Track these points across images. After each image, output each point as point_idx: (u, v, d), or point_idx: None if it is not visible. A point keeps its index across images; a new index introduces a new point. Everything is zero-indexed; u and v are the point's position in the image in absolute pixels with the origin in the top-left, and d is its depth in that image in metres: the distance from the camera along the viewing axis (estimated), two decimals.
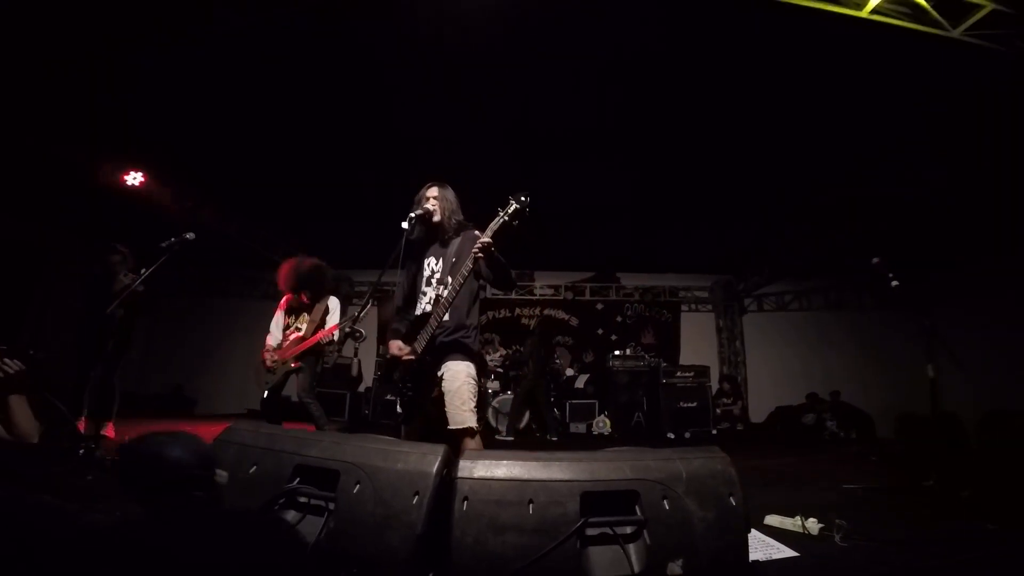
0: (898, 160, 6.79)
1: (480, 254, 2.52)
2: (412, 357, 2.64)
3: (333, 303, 4.46)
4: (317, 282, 4.47)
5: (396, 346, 2.73)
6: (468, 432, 2.56)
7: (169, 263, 4.00)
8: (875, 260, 4.04)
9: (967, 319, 8.81)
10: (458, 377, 2.60)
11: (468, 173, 9.03)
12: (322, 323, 4.31)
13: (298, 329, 4.29)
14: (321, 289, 4.50)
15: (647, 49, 7.32)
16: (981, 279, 9.18)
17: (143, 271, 4.06)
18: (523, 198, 2.58)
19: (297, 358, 4.19)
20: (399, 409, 2.74)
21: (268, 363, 4.21)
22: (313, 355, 4.26)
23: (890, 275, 3.94)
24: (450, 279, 2.66)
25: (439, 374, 2.65)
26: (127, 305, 4.41)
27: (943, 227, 7.78)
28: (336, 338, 4.33)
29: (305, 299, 4.42)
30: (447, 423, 2.58)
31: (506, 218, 2.56)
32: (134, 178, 6.95)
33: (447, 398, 2.59)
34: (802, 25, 6.03)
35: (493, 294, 10.93)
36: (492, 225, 2.56)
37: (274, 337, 4.34)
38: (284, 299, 4.50)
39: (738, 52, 7.05)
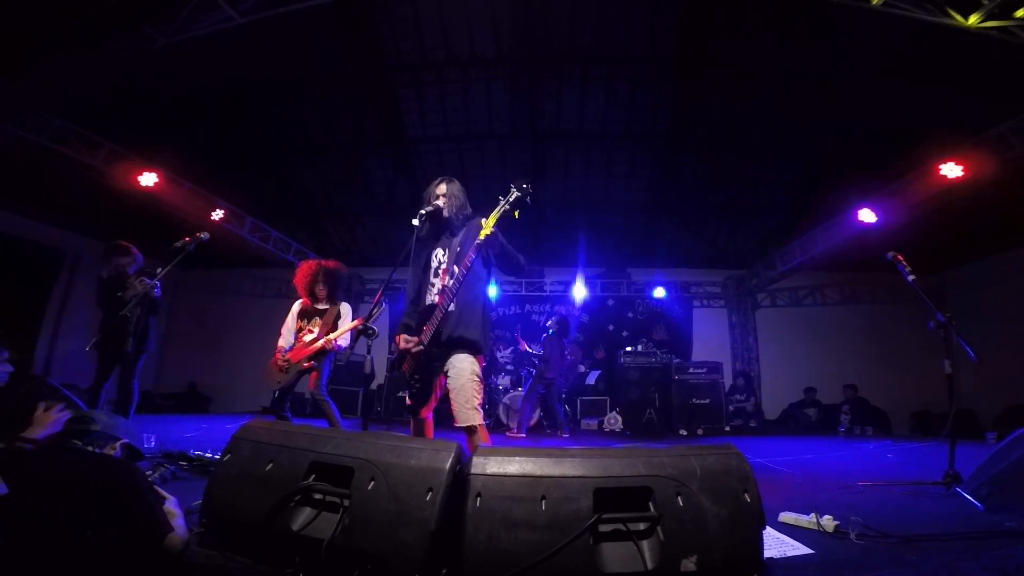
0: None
1: (482, 243, 2.58)
2: (420, 348, 2.66)
3: (346, 308, 4.53)
4: (336, 282, 4.55)
5: (402, 339, 2.75)
6: (473, 430, 2.58)
7: (183, 262, 4.05)
8: (890, 254, 3.98)
9: (985, 314, 8.68)
10: (463, 374, 2.60)
11: (479, 168, 9.14)
12: (334, 327, 4.35)
13: (310, 331, 4.33)
14: (338, 289, 4.59)
15: (659, 48, 7.32)
16: (999, 273, 9.04)
17: (159, 271, 4.10)
18: (524, 186, 2.62)
19: (308, 359, 4.24)
20: (408, 402, 2.76)
21: (280, 364, 4.25)
22: (324, 355, 4.30)
23: (906, 269, 3.88)
24: (456, 268, 2.67)
25: (445, 369, 2.67)
26: (141, 307, 4.47)
27: (961, 221, 7.67)
28: (348, 343, 4.36)
29: (321, 297, 4.49)
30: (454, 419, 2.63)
31: (507, 206, 2.62)
32: (148, 179, 7.02)
33: (452, 395, 2.61)
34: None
35: (504, 290, 10.94)
36: (493, 213, 2.62)
37: (285, 340, 4.39)
38: (297, 302, 4.55)
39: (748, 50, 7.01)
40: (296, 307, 4.53)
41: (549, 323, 7.99)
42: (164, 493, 1.93)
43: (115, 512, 1.60)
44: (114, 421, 2.44)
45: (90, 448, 2.14)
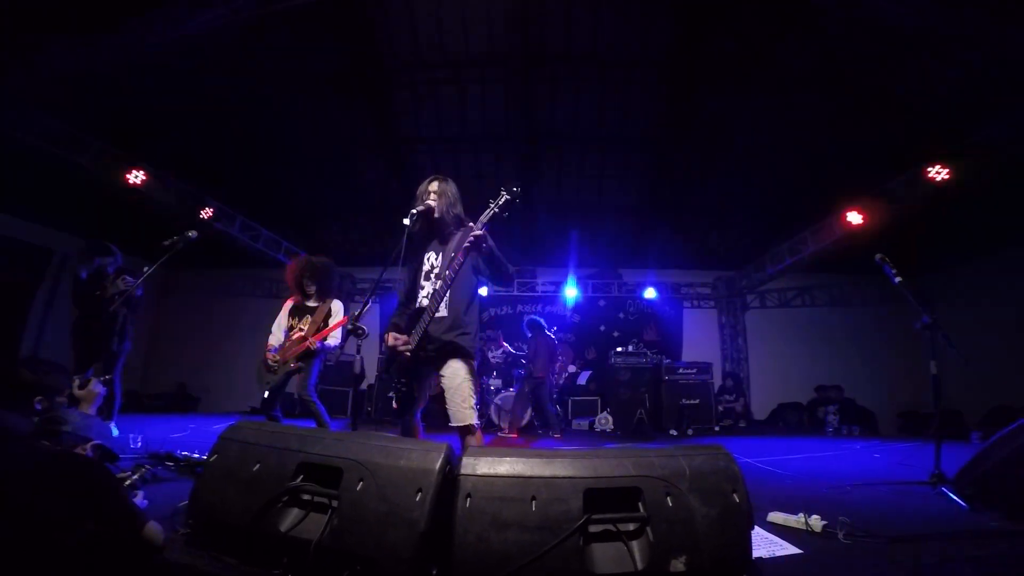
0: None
1: (469, 245, 2.58)
2: (407, 348, 2.66)
3: (336, 306, 4.42)
4: (325, 276, 4.45)
5: (391, 336, 2.75)
6: (469, 429, 2.59)
7: (172, 262, 4.01)
8: (878, 256, 4.03)
9: (971, 315, 8.79)
10: (458, 376, 2.63)
11: (473, 169, 9.12)
12: (325, 324, 4.29)
13: (300, 330, 4.27)
14: (328, 285, 4.48)
15: (653, 51, 7.35)
16: (985, 275, 9.15)
17: (145, 269, 4.06)
18: (515, 189, 2.65)
19: (297, 358, 4.18)
20: (395, 404, 2.76)
21: (269, 363, 4.20)
22: (314, 356, 4.25)
23: (893, 271, 3.92)
24: (448, 273, 2.67)
25: (440, 372, 2.67)
26: (125, 305, 4.44)
27: (947, 222, 7.77)
28: (338, 343, 4.30)
29: (310, 293, 4.41)
30: (448, 419, 2.64)
31: (496, 209, 2.64)
32: (136, 177, 6.95)
33: (448, 395, 2.63)
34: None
35: (495, 291, 10.93)
36: (482, 217, 2.64)
37: (275, 338, 4.32)
38: (289, 300, 4.48)
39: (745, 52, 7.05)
40: (288, 304, 4.46)
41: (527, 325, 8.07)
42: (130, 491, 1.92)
43: (88, 508, 1.59)
44: (86, 422, 2.42)
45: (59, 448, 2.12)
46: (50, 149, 6.30)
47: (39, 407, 2.39)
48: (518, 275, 11.13)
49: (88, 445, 2.28)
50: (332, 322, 4.32)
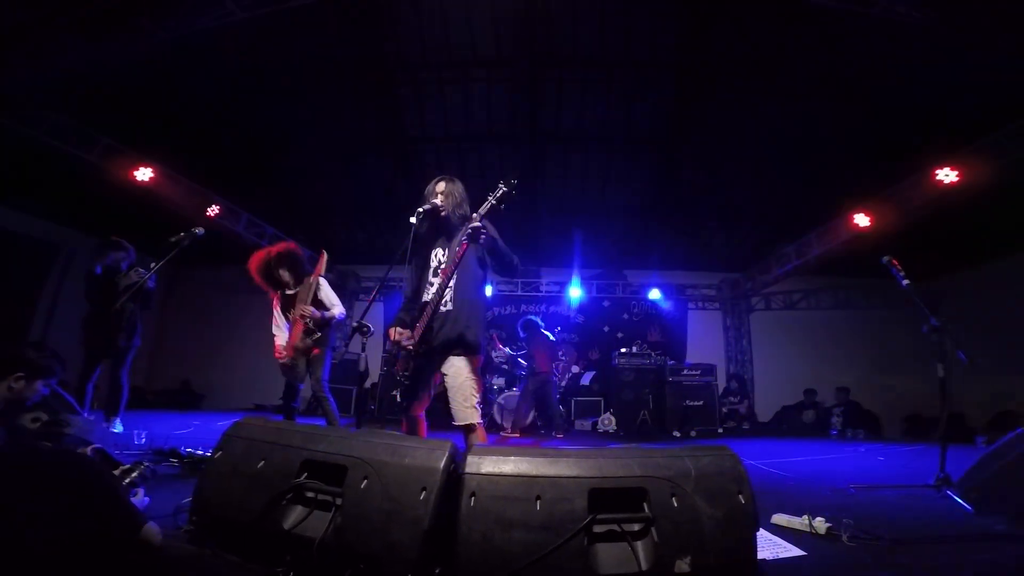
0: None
1: (468, 236, 2.62)
2: (411, 343, 2.66)
3: (320, 281, 4.27)
4: (295, 260, 4.30)
5: (395, 331, 2.75)
6: (471, 428, 2.60)
7: (177, 258, 4.03)
8: (885, 259, 4.01)
9: (977, 319, 8.73)
10: (460, 374, 2.63)
11: (478, 168, 9.12)
12: (316, 302, 4.19)
13: (302, 317, 4.18)
14: (301, 267, 4.33)
15: (659, 52, 7.34)
16: (992, 280, 9.09)
17: (152, 265, 4.08)
18: (512, 181, 2.73)
19: (307, 335, 4.10)
20: (398, 399, 2.77)
21: (284, 361, 4.12)
22: (326, 343, 4.19)
23: (901, 274, 3.90)
24: (452, 266, 2.70)
25: (443, 371, 2.67)
26: (134, 300, 4.45)
27: (955, 226, 7.71)
28: (343, 313, 4.23)
29: (287, 281, 4.26)
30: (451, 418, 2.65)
31: (494, 202, 2.71)
32: (144, 174, 6.98)
33: (450, 394, 2.64)
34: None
35: (499, 291, 10.93)
36: (480, 210, 2.69)
37: (282, 337, 4.25)
38: (274, 298, 4.35)
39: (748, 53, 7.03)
40: (276, 304, 4.32)
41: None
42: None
43: (87, 507, 1.59)
44: (89, 426, 2.43)
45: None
46: (58, 145, 6.32)
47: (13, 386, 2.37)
48: (522, 276, 11.12)
49: (89, 448, 2.28)
50: (321, 295, 4.21)
